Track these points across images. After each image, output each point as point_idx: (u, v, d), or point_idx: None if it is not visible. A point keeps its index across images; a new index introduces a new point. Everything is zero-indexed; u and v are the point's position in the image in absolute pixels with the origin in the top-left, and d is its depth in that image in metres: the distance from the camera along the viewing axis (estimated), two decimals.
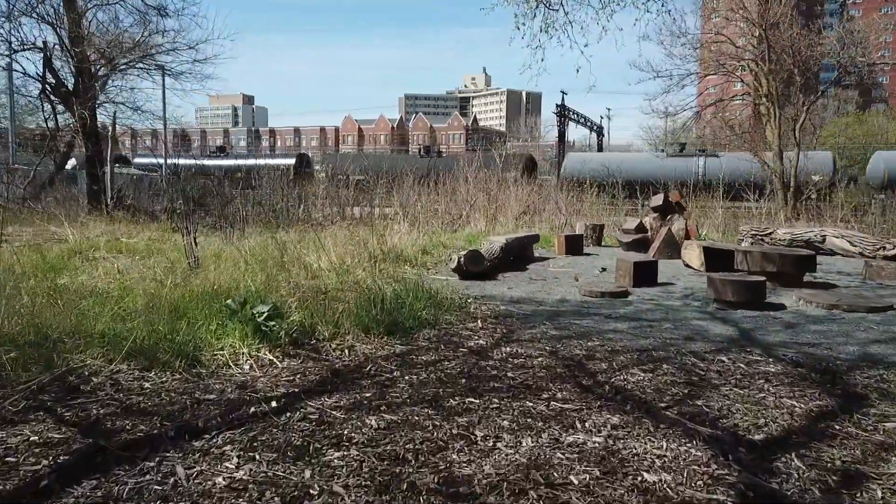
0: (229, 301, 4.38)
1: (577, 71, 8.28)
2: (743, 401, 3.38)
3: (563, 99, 62.46)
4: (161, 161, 26.36)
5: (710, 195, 18.78)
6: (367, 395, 3.36)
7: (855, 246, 10.04)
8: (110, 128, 18.72)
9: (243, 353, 3.95)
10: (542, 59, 8.05)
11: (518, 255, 9.41)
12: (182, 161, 26.95)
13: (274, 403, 3.21)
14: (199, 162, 27.42)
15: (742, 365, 4.05)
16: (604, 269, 8.66)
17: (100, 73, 17.39)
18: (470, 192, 18.71)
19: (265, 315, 4.19)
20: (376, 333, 4.50)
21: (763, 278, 5.95)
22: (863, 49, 23.57)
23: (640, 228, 11.10)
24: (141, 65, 18.17)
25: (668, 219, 11.08)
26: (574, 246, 10.47)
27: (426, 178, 18.67)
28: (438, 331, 4.79)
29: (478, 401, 3.29)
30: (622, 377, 3.76)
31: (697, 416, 3.14)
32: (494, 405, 3.24)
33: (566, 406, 3.25)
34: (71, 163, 22.05)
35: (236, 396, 3.32)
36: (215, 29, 55.89)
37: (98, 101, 17.20)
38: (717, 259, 8.37)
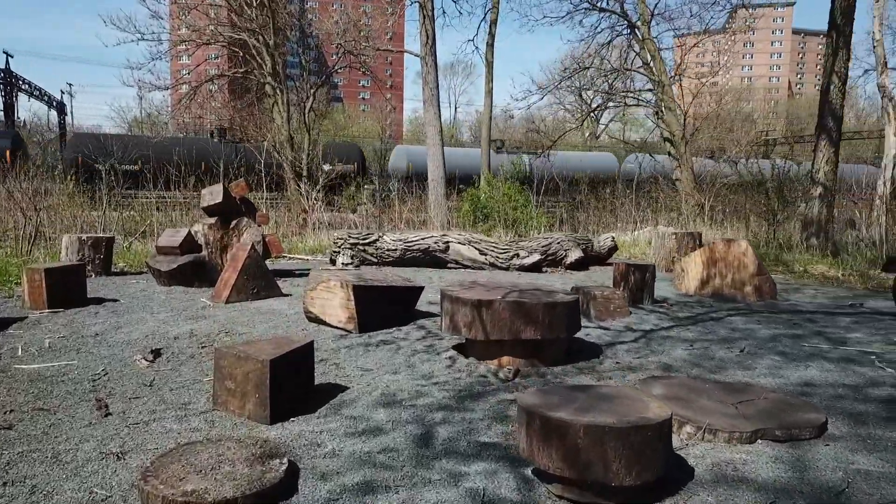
0: None
1: None
2: None
3: (7, 62, 49.61)
4: None
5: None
6: None
7: (485, 254, 7.59)
8: None
9: None
10: None
11: None
12: None
13: None
14: None
15: None
16: (158, 354, 3.93)
17: None
18: None
19: None
20: None
21: (637, 397, 2.42)
22: (366, 35, 23.07)
23: (190, 244, 6.49)
24: None
25: (233, 226, 6.75)
26: (67, 288, 5.23)
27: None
28: None
29: None
30: None
31: None
32: None
33: None
34: None
35: None
36: None
37: None
38: (380, 307, 4.58)
